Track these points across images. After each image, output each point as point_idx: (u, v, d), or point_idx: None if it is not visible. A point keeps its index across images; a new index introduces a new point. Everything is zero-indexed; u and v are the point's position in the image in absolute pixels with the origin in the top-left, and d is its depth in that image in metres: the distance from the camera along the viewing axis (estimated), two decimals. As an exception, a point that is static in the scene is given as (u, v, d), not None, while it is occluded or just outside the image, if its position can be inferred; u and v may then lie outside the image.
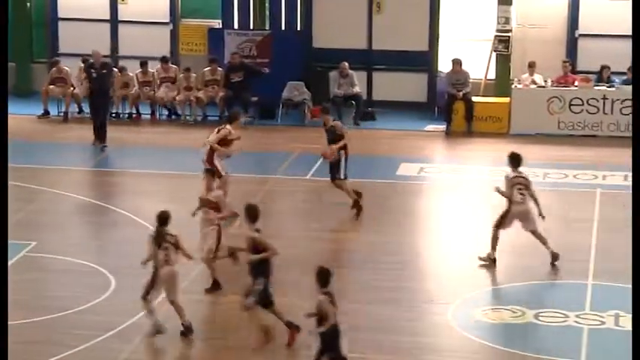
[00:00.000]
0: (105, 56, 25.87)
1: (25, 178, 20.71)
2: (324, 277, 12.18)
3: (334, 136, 18.58)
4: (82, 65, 24.52)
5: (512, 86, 25.24)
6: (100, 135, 22.62)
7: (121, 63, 26.45)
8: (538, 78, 25.17)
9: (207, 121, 25.72)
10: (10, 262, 16.48)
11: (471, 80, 25.47)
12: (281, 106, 26.01)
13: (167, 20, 27.40)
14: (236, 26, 26.98)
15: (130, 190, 20.91)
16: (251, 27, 27.09)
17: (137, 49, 26.90)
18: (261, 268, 13.50)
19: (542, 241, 16.19)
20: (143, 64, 25.90)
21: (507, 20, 25.78)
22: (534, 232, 16.18)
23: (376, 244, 17.23)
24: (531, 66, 25.24)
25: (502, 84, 25.80)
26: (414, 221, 19.49)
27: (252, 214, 13.65)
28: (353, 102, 25.96)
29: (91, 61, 23.23)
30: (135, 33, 27.25)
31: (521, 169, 16.32)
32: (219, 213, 15.49)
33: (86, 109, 24.43)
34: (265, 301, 13.59)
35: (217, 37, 26.61)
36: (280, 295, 15.51)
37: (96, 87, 22.76)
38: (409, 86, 26.91)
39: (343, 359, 12.02)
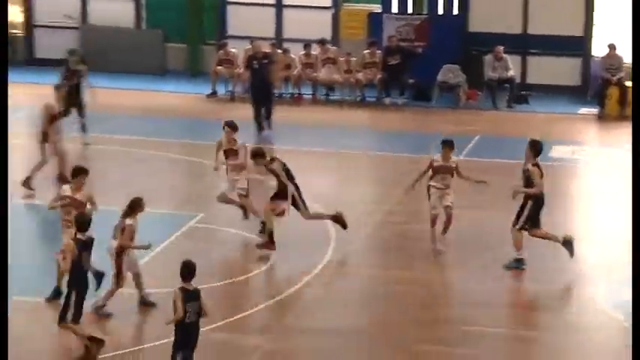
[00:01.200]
0: (270, 39, 26.22)
1: (195, 153, 21.11)
2: (185, 270, 11.70)
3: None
4: (250, 47, 24.75)
5: (668, 71, 24.49)
6: (262, 125, 22.66)
7: (285, 45, 26.67)
8: (694, 63, 24.35)
9: (366, 101, 25.76)
10: (178, 232, 16.88)
11: (625, 65, 24.85)
12: (436, 88, 25.86)
13: (329, 5, 27.50)
14: (395, 10, 26.90)
15: (290, 165, 21.03)
16: (409, 11, 26.96)
17: (300, 32, 27.07)
18: (71, 278, 12.56)
19: None
20: (306, 46, 26.08)
21: (664, 5, 25.01)
22: None
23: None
24: (688, 51, 24.44)
25: (657, 69, 25.07)
26: (566, 202, 19.14)
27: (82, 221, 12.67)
28: (507, 85, 25.65)
29: (255, 51, 23.45)
30: (298, 17, 27.44)
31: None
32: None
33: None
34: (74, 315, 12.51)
35: (377, 21, 26.60)
36: (427, 272, 15.54)
37: (258, 78, 22.92)
38: (563, 70, 26.42)
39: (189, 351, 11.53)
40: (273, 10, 27.57)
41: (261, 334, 13.59)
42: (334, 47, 26.45)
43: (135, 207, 13.86)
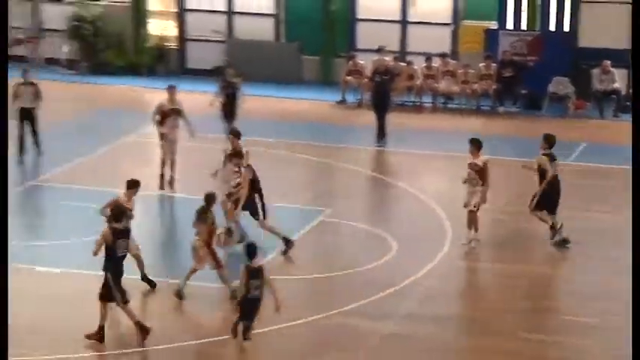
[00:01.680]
0: (394, 52, 26.34)
1: (323, 154, 21.36)
2: (249, 251, 12.14)
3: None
4: (377, 58, 24.84)
5: None
6: (379, 133, 22.80)
7: (409, 58, 26.75)
8: None
9: (481, 110, 25.69)
10: (309, 226, 17.18)
11: None
12: (547, 98, 25.64)
13: (449, 21, 27.48)
14: (510, 27, 26.73)
15: (411, 168, 21.21)
16: (523, 28, 26.76)
17: (423, 46, 27.10)
18: (106, 262, 12.93)
19: None
20: (428, 59, 26.15)
21: None
22: None
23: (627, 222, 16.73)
24: None
25: None
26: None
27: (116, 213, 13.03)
28: (614, 96, 25.31)
29: (378, 65, 23.59)
30: (421, 32, 27.45)
31: None
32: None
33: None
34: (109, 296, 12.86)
35: (493, 37, 26.47)
36: (535, 266, 15.46)
37: (379, 90, 23.07)
38: (667, 83, 25.85)
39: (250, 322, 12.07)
40: (398, 26, 27.67)
41: (381, 319, 13.78)
42: (453, 60, 26.43)
43: (209, 201, 14.28)
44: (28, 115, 20.15)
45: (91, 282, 13.51)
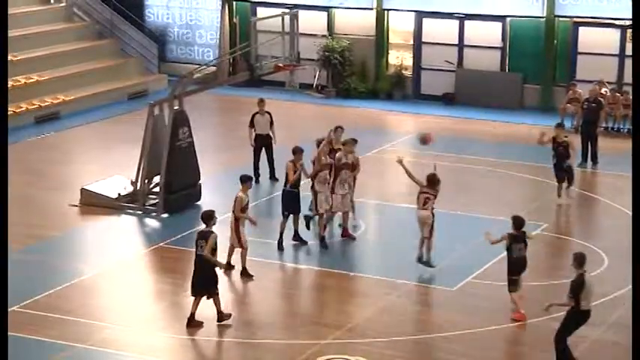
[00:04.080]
0: (611, 83, 25.54)
1: (541, 174, 20.92)
2: (515, 223, 13.80)
3: None
4: (595, 87, 24.10)
5: None
6: (592, 156, 22.10)
7: (625, 89, 25.87)
8: None
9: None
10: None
11: None
12: None
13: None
14: None
15: (621, 188, 20.50)
16: None
17: (638, 78, 26.10)
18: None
19: None
20: None
21: None
22: None
23: None
24: None
25: None
26: None
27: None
28: None
29: (590, 95, 22.94)
30: (637, 65, 26.45)
31: None
32: None
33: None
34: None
35: None
36: None
37: (587, 117, 22.43)
38: None
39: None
40: (616, 59, 26.78)
41: (590, 326, 13.41)
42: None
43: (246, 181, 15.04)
44: (264, 142, 19.82)
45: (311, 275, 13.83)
